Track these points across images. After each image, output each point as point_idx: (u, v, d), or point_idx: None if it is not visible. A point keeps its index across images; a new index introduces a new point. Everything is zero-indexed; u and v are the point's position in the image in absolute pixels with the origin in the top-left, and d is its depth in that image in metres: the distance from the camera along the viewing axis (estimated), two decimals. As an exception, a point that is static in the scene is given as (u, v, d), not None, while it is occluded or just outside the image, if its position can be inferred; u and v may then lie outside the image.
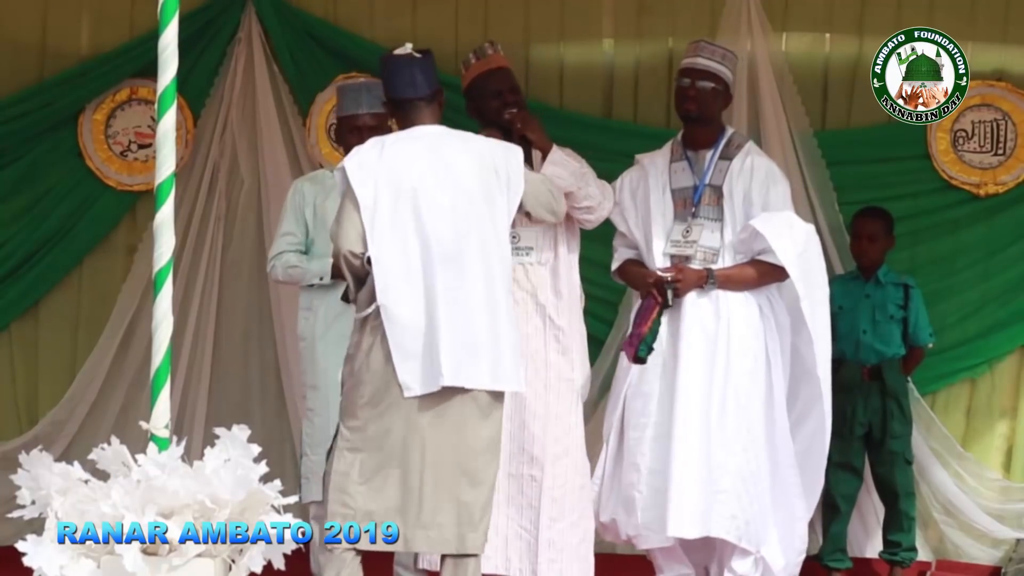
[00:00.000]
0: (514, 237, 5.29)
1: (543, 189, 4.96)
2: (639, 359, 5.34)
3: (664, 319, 5.39)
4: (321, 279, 5.51)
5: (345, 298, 5.36)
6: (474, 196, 4.56)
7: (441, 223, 4.51)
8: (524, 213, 5.16)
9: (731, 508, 5.29)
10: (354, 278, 4.60)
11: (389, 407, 4.49)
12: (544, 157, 5.25)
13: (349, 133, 5.51)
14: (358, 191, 4.52)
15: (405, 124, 4.71)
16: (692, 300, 5.39)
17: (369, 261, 4.51)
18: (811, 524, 5.72)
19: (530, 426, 5.30)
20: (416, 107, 4.65)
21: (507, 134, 5.25)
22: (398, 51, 4.69)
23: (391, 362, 4.46)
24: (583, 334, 5.48)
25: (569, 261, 5.43)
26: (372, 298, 4.51)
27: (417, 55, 4.67)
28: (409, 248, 4.51)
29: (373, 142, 4.67)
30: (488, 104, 5.30)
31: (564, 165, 5.25)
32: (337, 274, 5.44)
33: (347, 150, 5.49)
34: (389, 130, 5.27)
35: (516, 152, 4.71)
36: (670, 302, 5.35)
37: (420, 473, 4.47)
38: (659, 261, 5.47)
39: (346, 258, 4.55)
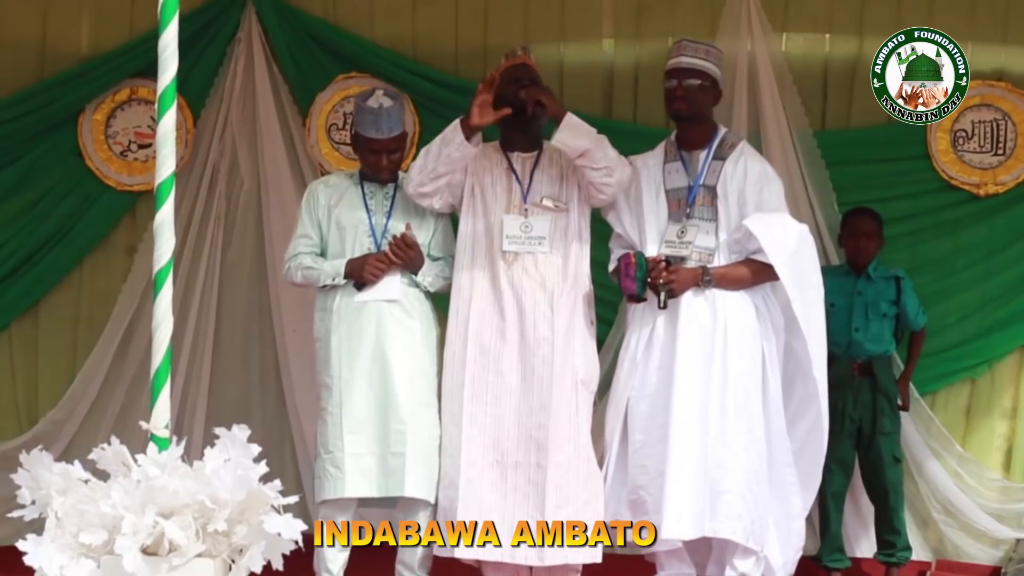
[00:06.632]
0: (526, 227, 5.38)
1: None
2: (637, 298, 5.39)
3: (660, 317, 5.40)
4: (334, 279, 5.50)
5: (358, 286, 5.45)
6: None
7: None
8: (536, 202, 5.28)
9: (736, 508, 5.29)
10: None
11: None
12: (559, 123, 5.36)
13: (368, 152, 5.54)
14: None
15: None
16: (688, 301, 5.40)
17: None
18: (809, 523, 5.73)
19: (536, 414, 5.34)
20: None
21: (522, 115, 5.39)
22: None
23: None
24: (590, 324, 5.51)
25: (579, 251, 5.49)
26: None
27: None
28: None
29: None
30: (508, 89, 5.44)
31: (581, 126, 5.37)
32: (351, 275, 5.46)
33: (364, 164, 5.54)
34: (404, 150, 5.42)
35: None
36: (664, 304, 5.36)
37: None
38: None
39: None
